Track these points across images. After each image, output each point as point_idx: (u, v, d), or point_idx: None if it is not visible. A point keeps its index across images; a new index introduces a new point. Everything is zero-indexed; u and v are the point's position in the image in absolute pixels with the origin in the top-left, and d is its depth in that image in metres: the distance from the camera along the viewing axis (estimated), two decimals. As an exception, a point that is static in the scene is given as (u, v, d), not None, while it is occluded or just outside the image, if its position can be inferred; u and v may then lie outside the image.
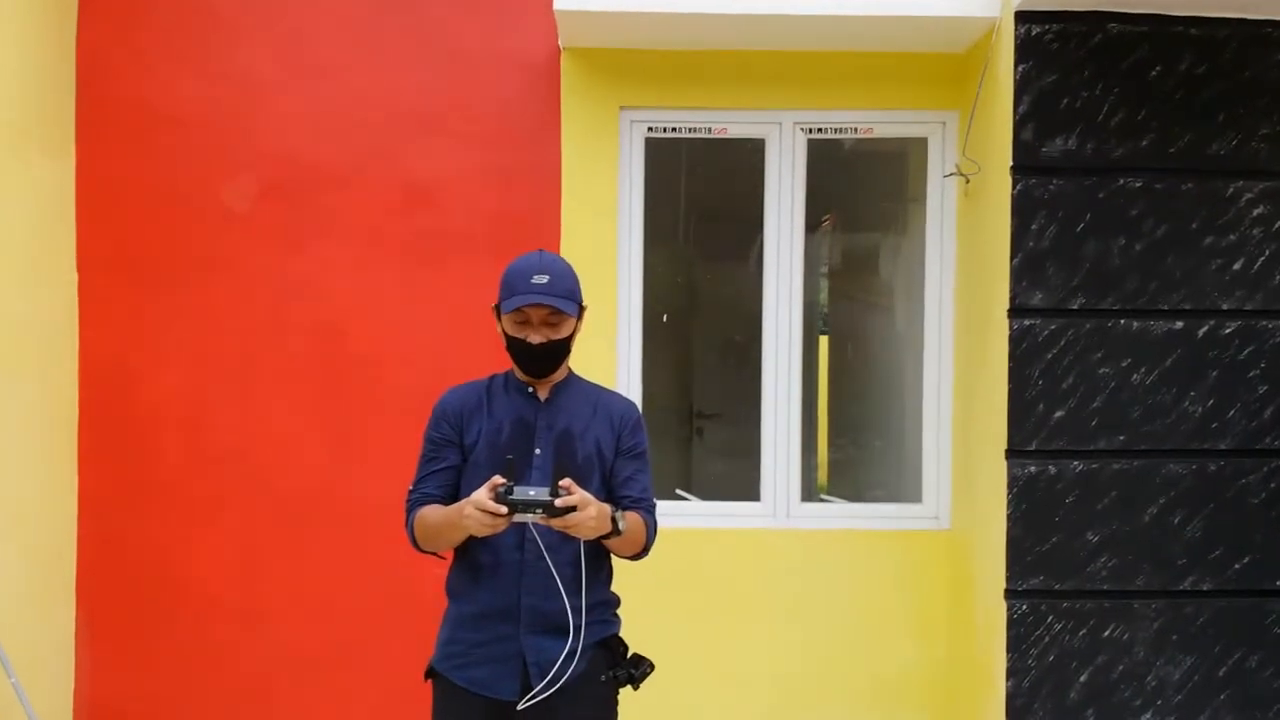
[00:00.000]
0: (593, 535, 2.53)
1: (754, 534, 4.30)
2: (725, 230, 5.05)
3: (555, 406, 2.78)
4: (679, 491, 4.50)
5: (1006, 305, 3.76)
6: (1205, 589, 3.79)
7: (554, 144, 4.19)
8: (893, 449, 4.70)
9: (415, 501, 2.76)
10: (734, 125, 4.28)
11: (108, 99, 4.19)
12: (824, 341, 4.98)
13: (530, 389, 2.79)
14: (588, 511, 2.46)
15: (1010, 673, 3.77)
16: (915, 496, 4.37)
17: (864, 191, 5.06)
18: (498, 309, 2.76)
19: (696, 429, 5.57)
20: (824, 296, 5.08)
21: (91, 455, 4.19)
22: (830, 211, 5.54)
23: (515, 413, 2.76)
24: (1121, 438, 3.78)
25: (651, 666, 2.80)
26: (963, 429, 4.17)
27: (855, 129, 4.33)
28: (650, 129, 4.26)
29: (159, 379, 4.19)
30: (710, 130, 4.28)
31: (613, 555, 2.80)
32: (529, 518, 2.46)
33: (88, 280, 4.18)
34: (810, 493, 4.44)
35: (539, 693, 2.61)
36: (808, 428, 4.41)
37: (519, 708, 2.62)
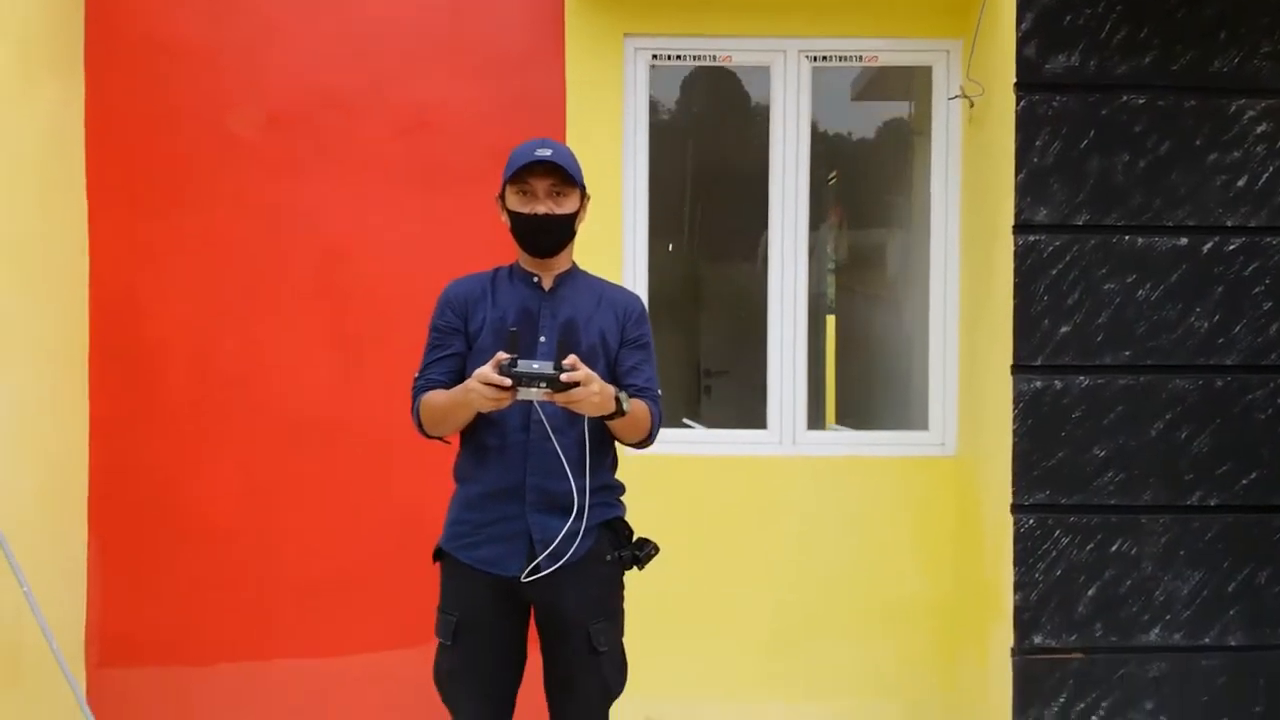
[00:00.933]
0: (596, 412, 2.55)
1: (760, 461, 4.30)
2: (731, 158, 5.05)
3: (559, 297, 2.81)
4: (685, 420, 4.51)
5: (1011, 222, 3.77)
6: (1213, 504, 3.79)
7: (558, 72, 4.19)
8: (899, 377, 4.71)
9: (421, 387, 2.79)
10: (739, 53, 4.29)
11: (115, 26, 4.20)
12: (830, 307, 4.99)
13: (535, 278, 2.81)
14: (591, 388, 2.48)
15: (1018, 587, 3.77)
16: (922, 424, 4.37)
17: (869, 128, 5.08)
18: (501, 197, 2.79)
19: (704, 387, 5.59)
20: (831, 246, 5.09)
21: (101, 381, 4.21)
22: (835, 171, 5.58)
23: (519, 302, 2.78)
24: (1127, 353, 3.78)
25: (656, 549, 2.82)
26: (969, 347, 4.18)
27: (860, 57, 4.34)
28: (655, 57, 4.27)
29: (167, 306, 4.22)
30: (715, 58, 4.30)
31: (618, 442, 2.81)
32: (533, 393, 2.48)
33: (97, 208, 4.21)
34: (817, 420, 4.43)
35: (541, 565, 2.63)
36: (815, 358, 4.42)
37: (523, 579, 2.64)
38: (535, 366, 2.48)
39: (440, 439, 2.81)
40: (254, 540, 4.23)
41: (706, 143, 5.18)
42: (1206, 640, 3.79)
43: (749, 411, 4.41)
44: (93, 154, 4.20)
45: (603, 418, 2.61)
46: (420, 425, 2.78)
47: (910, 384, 4.55)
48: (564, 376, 2.45)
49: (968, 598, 4.17)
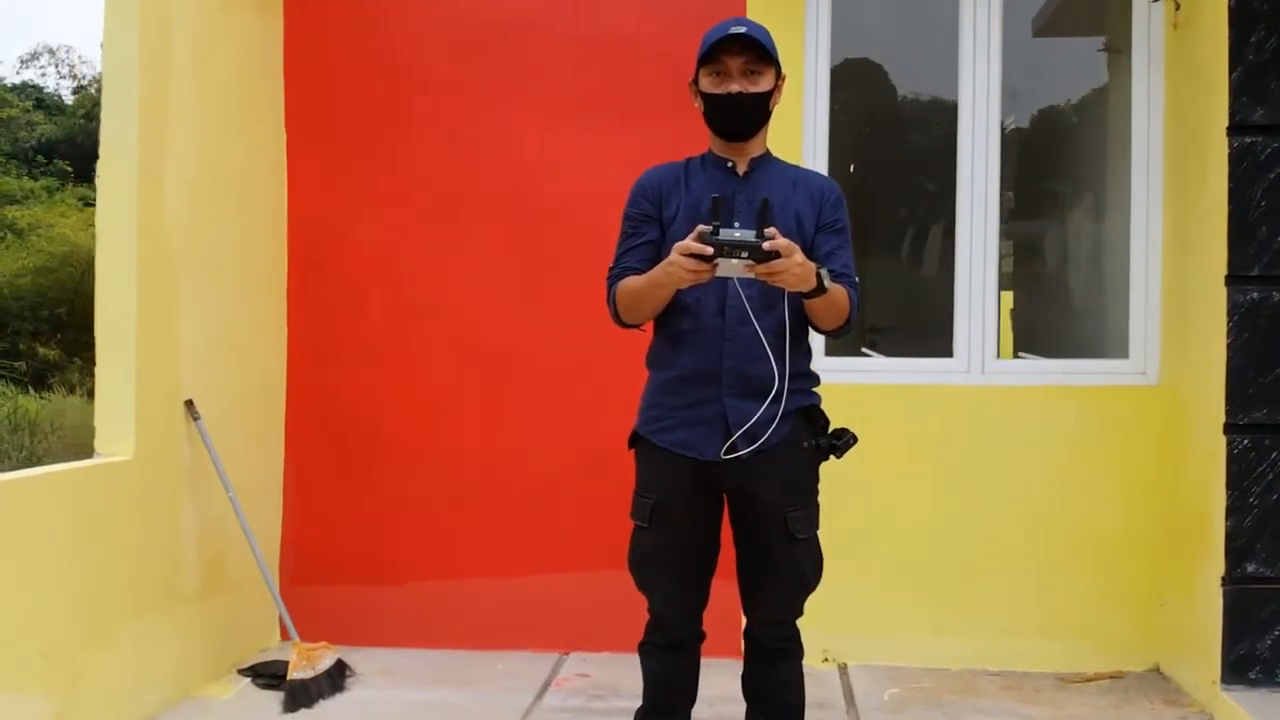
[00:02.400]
0: (798, 285, 2.48)
1: (946, 390, 4.17)
2: (915, 68, 4.90)
3: (754, 181, 2.76)
4: (864, 350, 4.40)
5: (1225, 124, 3.56)
6: None
7: (740, -4, 4.15)
8: (1095, 307, 4.50)
9: (616, 276, 2.77)
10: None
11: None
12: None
13: (729, 163, 2.77)
14: (793, 258, 2.42)
15: (1230, 512, 3.56)
16: (1121, 353, 4.17)
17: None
18: (694, 82, 2.76)
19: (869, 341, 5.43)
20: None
21: (299, 306, 4.37)
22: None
23: (713, 188, 2.73)
24: (1354, 262, 3.53)
25: (854, 438, 2.74)
26: (1174, 264, 3.97)
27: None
28: (838, -27, 4.19)
29: (361, 234, 4.34)
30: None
31: (813, 329, 2.75)
32: (733, 264, 2.43)
33: (295, 138, 4.36)
34: (1012, 347, 4.27)
35: (738, 445, 2.60)
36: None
37: (722, 456, 2.60)
38: (737, 234, 2.43)
39: (636, 327, 2.79)
40: (443, 462, 4.32)
41: (890, 80, 5.05)
42: None
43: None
44: (291, 85, 4.36)
45: (803, 295, 2.55)
46: (616, 313, 2.76)
47: (1108, 314, 4.35)
48: (766, 245, 2.40)
49: (1170, 531, 3.96)
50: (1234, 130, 3.55)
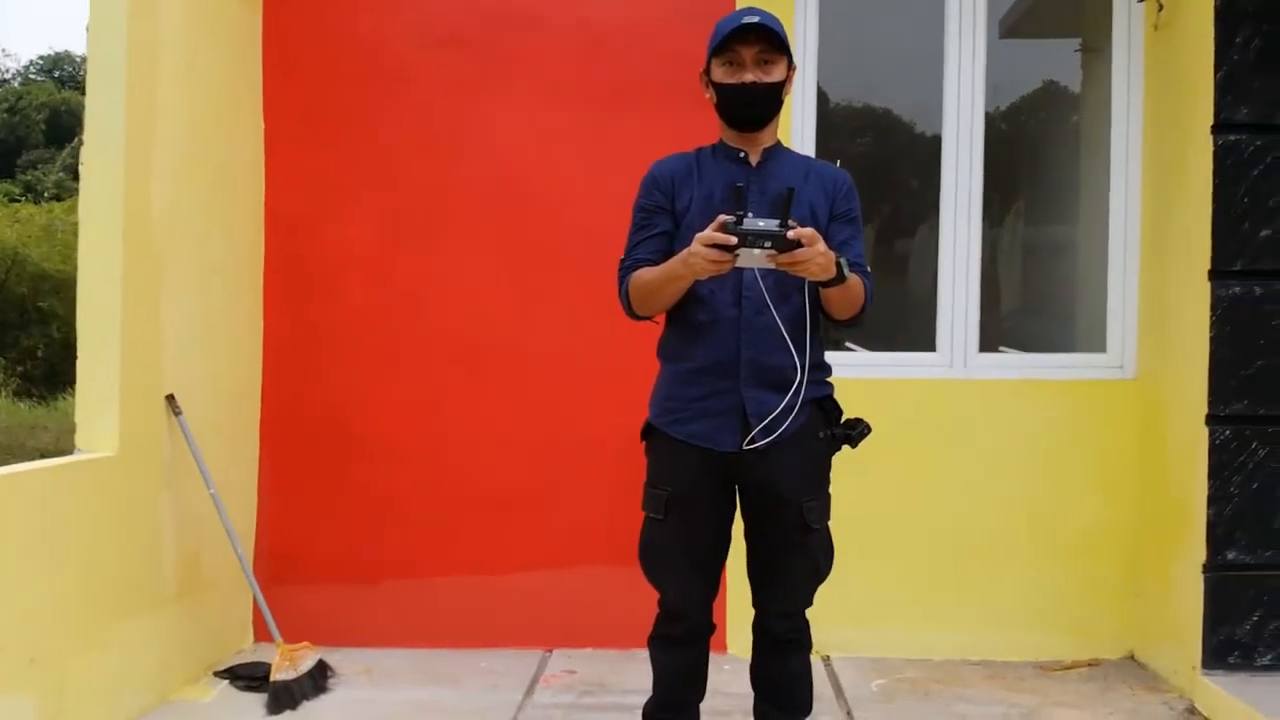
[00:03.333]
0: (819, 275, 2.47)
1: (930, 384, 4.21)
2: (902, 62, 4.94)
3: (767, 171, 2.75)
4: (848, 344, 4.42)
5: (1210, 122, 3.63)
6: None
7: (730, -9, 4.15)
8: (1070, 301, 4.58)
9: (629, 268, 2.73)
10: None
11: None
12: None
13: (741, 154, 2.76)
14: (816, 247, 2.41)
15: (1211, 500, 3.64)
16: (1099, 347, 4.24)
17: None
18: (705, 72, 2.74)
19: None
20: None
21: (276, 300, 4.27)
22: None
23: (726, 178, 2.71)
24: (1331, 258, 3.62)
25: (869, 428, 2.75)
26: (1153, 260, 4.05)
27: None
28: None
29: (341, 227, 4.25)
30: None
31: (827, 319, 2.74)
32: (755, 255, 2.41)
33: (273, 128, 4.26)
34: (989, 343, 4.31)
35: (756, 437, 2.59)
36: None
37: (745, 446, 2.59)
38: (760, 224, 2.41)
39: (649, 319, 2.76)
40: (421, 459, 4.24)
41: (877, 75, 5.09)
42: None
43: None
44: (270, 75, 4.26)
45: (822, 284, 2.55)
46: (629, 306, 2.73)
47: (1086, 309, 4.42)
48: (790, 234, 2.39)
49: (1147, 522, 4.05)
50: (1218, 129, 3.62)
